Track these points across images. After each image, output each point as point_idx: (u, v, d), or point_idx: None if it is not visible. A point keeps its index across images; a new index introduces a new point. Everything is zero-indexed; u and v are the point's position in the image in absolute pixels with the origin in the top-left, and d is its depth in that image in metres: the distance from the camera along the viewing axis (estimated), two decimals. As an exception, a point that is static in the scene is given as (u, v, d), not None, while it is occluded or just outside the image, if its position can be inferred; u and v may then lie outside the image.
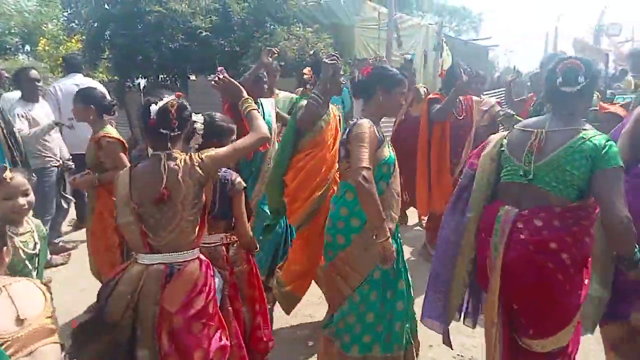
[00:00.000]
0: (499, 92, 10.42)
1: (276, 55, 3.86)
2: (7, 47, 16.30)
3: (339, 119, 3.38)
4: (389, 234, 2.27)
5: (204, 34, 9.11)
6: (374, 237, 2.26)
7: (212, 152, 2.03)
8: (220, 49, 9.48)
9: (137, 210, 1.93)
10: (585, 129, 1.96)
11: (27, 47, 17.66)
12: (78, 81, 5.04)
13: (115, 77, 11.51)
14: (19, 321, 1.39)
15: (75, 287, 4.04)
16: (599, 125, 2.87)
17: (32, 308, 1.44)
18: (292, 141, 3.15)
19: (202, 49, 9.52)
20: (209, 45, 9.43)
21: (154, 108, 1.91)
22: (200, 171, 1.96)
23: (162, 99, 1.93)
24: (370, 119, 2.39)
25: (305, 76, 3.28)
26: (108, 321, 1.86)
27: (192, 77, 11.35)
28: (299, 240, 3.28)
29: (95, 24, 10.47)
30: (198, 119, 2.11)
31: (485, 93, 10.98)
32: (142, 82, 11.93)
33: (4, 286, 1.43)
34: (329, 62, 2.94)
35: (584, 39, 8.29)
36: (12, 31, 16.45)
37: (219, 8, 9.43)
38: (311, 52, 8.67)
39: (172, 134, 1.96)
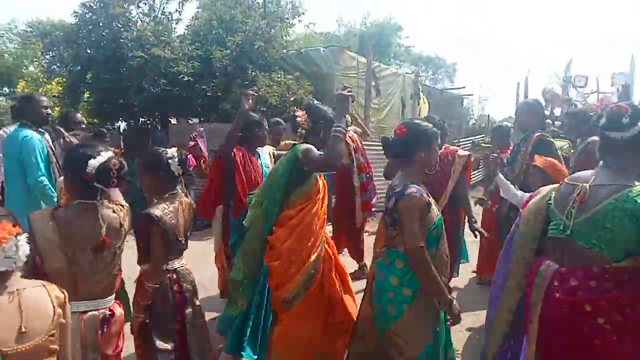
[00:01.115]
0: (472, 139, 10.71)
1: (255, 96, 3.57)
2: (-15, 88, 16.20)
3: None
4: (450, 296, 2.22)
5: (185, 78, 9.24)
6: (437, 305, 2.22)
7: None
8: (202, 94, 9.59)
9: (71, 256, 1.91)
10: (633, 185, 1.79)
11: (6, 89, 17.56)
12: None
13: (95, 120, 11.46)
14: (22, 335, 1.39)
15: None
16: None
17: (38, 321, 1.45)
18: (282, 193, 2.68)
19: (184, 93, 9.62)
20: (190, 89, 9.55)
21: (93, 163, 1.94)
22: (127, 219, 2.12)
23: (99, 153, 1.97)
24: (413, 179, 2.29)
25: (298, 119, 2.85)
26: None
27: (173, 121, 11.39)
28: (289, 318, 2.68)
29: (77, 67, 10.53)
30: (173, 153, 2.39)
31: (461, 140, 11.34)
32: (122, 125, 11.92)
33: (17, 290, 1.44)
34: (346, 93, 2.67)
35: (552, 89, 8.70)
36: (-9, 72, 16.39)
37: (201, 54, 9.63)
38: (292, 99, 8.85)
39: (105, 188, 2.02)
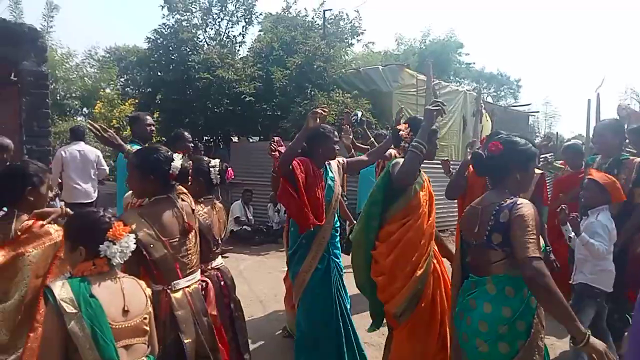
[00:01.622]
0: (544, 156, 10.12)
1: (324, 115, 3.23)
2: (67, 110, 17.66)
3: (429, 181, 2.88)
4: (585, 330, 1.80)
5: (247, 98, 9.55)
6: (575, 341, 1.79)
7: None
8: (263, 113, 9.87)
9: (169, 243, 2.17)
10: None
11: (85, 110, 19.06)
12: (81, 148, 5.68)
13: (163, 138, 12.11)
14: (125, 312, 1.69)
15: None
16: None
17: (136, 304, 1.74)
18: (380, 207, 2.64)
19: (245, 113, 9.95)
20: (251, 109, 9.86)
21: (175, 164, 2.23)
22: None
23: (175, 157, 2.27)
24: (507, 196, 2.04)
25: (400, 132, 2.73)
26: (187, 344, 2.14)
27: (235, 139, 11.78)
28: (401, 333, 2.70)
29: (149, 89, 11.22)
30: (215, 163, 2.76)
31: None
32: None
33: (119, 278, 1.74)
34: (433, 108, 2.56)
35: (629, 105, 8.10)
36: (73, 95, 17.89)
37: (262, 75, 9.94)
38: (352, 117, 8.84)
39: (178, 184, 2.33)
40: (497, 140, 2.09)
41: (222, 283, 2.76)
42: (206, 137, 11.92)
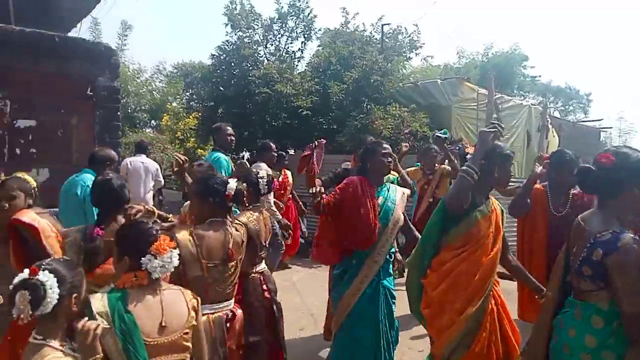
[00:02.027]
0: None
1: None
2: (136, 122, 18.77)
3: (502, 214, 2.56)
4: None
5: (304, 112, 9.68)
6: None
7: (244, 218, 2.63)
8: (319, 127, 9.96)
9: (205, 267, 2.23)
10: None
11: (153, 122, 20.16)
12: (144, 160, 6.15)
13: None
14: (162, 328, 1.65)
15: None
16: None
17: (175, 319, 1.70)
18: (439, 232, 2.42)
19: (302, 126, 10.09)
20: (308, 123, 9.99)
21: (231, 186, 2.38)
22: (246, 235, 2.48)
23: (231, 180, 2.43)
24: (618, 222, 1.82)
25: (469, 155, 2.59)
26: None
27: (291, 152, 11.97)
28: None
29: (211, 103, 11.70)
30: (264, 174, 2.95)
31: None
32: (246, 155, 12.91)
33: (160, 291, 1.72)
34: (489, 130, 2.42)
35: None
36: (143, 108, 18.99)
37: (319, 89, 10.05)
38: (406, 131, 8.74)
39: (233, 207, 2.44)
40: (608, 152, 1.90)
41: (265, 287, 2.88)
42: (264, 150, 12.21)
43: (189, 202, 3.08)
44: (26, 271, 1.45)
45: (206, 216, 2.38)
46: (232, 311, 2.42)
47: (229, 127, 4.80)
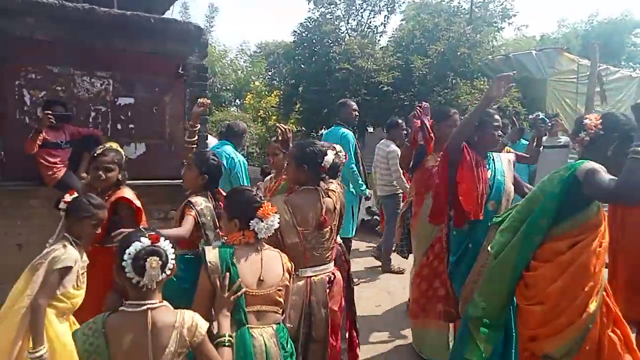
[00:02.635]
0: None
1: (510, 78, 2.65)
2: (222, 101, 19.62)
3: None
4: None
5: (385, 88, 9.46)
6: None
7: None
8: (400, 103, 9.69)
9: (302, 232, 2.32)
10: None
11: (237, 101, 20.97)
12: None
13: (303, 128, 12.72)
14: (260, 282, 1.88)
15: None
16: None
17: (272, 276, 1.93)
18: (551, 221, 2.09)
19: (382, 103, 9.88)
20: (389, 99, 9.76)
21: (328, 158, 2.41)
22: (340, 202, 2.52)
23: (329, 152, 2.46)
24: None
25: (586, 121, 2.19)
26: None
27: (370, 130, 11.81)
28: None
29: (292, 81, 11.86)
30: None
31: None
32: (324, 132, 13.01)
33: (262, 250, 1.97)
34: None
35: None
36: (227, 87, 19.78)
37: (401, 64, 9.74)
38: (494, 106, 8.21)
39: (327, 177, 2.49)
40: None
41: (344, 257, 2.91)
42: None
43: (268, 177, 3.18)
44: (147, 239, 1.53)
45: (301, 182, 2.44)
46: (333, 274, 2.50)
47: (353, 103, 4.93)
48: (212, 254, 1.87)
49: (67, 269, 2.17)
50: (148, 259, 1.49)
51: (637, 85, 9.79)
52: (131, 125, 4.59)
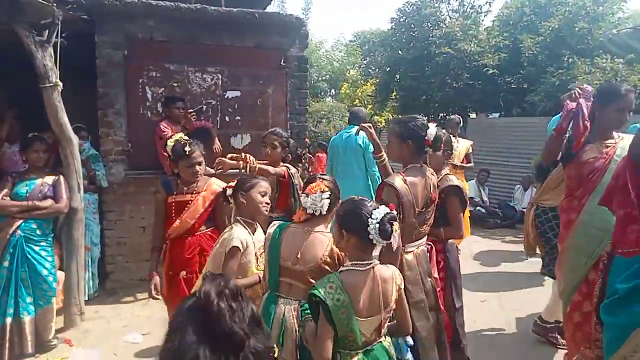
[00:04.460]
0: None
1: None
2: (318, 91, 19.92)
3: None
4: None
5: (490, 71, 8.88)
6: None
7: None
8: (506, 87, 9.05)
9: (418, 211, 2.29)
10: None
11: (332, 91, 21.15)
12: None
13: (399, 116, 12.46)
14: (296, 258, 1.94)
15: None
16: None
17: (311, 253, 1.95)
18: None
19: (486, 87, 9.30)
20: (493, 83, 9.15)
21: (431, 132, 2.31)
22: None
23: (431, 125, 2.37)
24: None
25: None
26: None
27: (472, 115, 11.19)
28: None
29: (388, 69, 11.63)
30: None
31: None
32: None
33: (309, 230, 2.00)
34: None
35: None
36: (323, 78, 20.02)
37: (508, 45, 9.07)
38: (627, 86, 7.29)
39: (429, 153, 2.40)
40: None
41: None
42: (442, 114, 11.71)
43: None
44: (385, 207, 1.74)
45: (405, 159, 2.36)
46: (429, 243, 2.51)
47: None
48: (272, 227, 2.10)
49: (234, 250, 2.18)
50: (393, 224, 1.72)
51: None
52: (237, 117, 4.82)
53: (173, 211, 2.70)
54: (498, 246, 6.46)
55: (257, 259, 2.32)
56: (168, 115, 4.35)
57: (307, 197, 2.02)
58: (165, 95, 4.46)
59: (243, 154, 3.11)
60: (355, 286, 1.69)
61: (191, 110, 4.32)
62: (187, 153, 2.66)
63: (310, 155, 9.63)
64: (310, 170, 9.42)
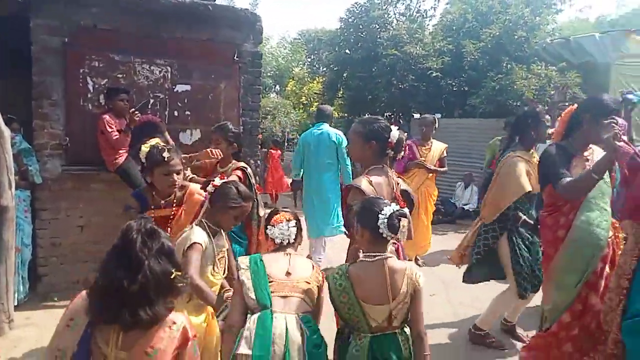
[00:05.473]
0: None
1: None
2: (263, 87, 19.69)
3: None
4: None
5: (434, 74, 9.18)
6: None
7: None
8: (449, 89, 9.39)
9: None
10: None
11: (277, 87, 21.00)
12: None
13: (345, 114, 12.58)
14: (287, 274, 1.94)
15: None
16: None
17: (300, 271, 1.98)
18: None
19: (430, 89, 9.61)
20: (437, 85, 9.47)
21: (394, 134, 2.32)
22: None
23: (393, 128, 2.38)
24: None
25: None
26: None
27: (416, 116, 11.53)
28: None
29: (336, 68, 11.70)
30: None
31: None
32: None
33: (290, 255, 2.03)
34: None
35: None
36: (268, 74, 19.81)
37: (452, 49, 9.41)
38: (552, 92, 7.82)
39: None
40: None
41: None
42: (386, 113, 11.97)
43: None
44: (395, 204, 1.89)
45: (367, 160, 2.37)
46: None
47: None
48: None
49: (195, 245, 2.09)
50: (401, 219, 1.84)
51: None
52: (187, 112, 4.61)
53: None
54: (441, 240, 6.67)
55: (214, 264, 2.21)
56: (111, 108, 4.05)
57: (274, 227, 2.05)
58: (108, 86, 4.17)
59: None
60: (359, 275, 1.86)
61: (134, 109, 3.95)
62: (165, 159, 2.42)
63: (265, 150, 9.50)
64: (266, 166, 9.29)
